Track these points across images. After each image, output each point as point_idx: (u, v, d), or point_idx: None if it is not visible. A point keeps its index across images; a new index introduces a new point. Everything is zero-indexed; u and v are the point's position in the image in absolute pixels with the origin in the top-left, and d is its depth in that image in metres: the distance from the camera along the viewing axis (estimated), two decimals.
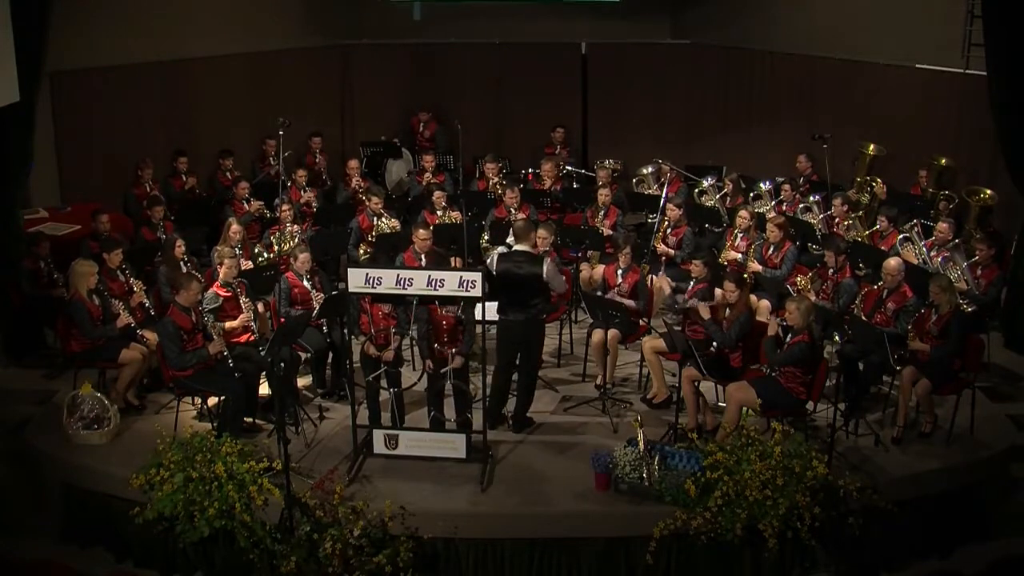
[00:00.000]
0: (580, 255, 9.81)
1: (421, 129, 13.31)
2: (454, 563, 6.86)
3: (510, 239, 7.82)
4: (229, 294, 8.19)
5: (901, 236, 9.44)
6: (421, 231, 8.84)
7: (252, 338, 8.08)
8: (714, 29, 13.65)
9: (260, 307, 8.45)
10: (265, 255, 9.64)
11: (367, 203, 10.30)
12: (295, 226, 9.96)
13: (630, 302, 8.51)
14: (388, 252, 9.61)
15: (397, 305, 7.48)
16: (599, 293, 8.84)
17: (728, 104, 13.50)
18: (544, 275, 7.53)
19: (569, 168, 12.26)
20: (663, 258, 9.83)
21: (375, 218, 10.13)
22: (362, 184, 11.19)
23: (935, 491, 7.29)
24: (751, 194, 11.19)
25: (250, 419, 7.79)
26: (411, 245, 8.93)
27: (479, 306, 7.29)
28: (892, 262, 8.19)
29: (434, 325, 7.48)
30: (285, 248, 9.59)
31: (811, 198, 10.60)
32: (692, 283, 8.63)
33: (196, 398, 7.91)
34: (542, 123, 13.18)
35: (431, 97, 13.57)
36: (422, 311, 7.41)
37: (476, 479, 7.12)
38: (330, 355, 8.41)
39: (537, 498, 7.02)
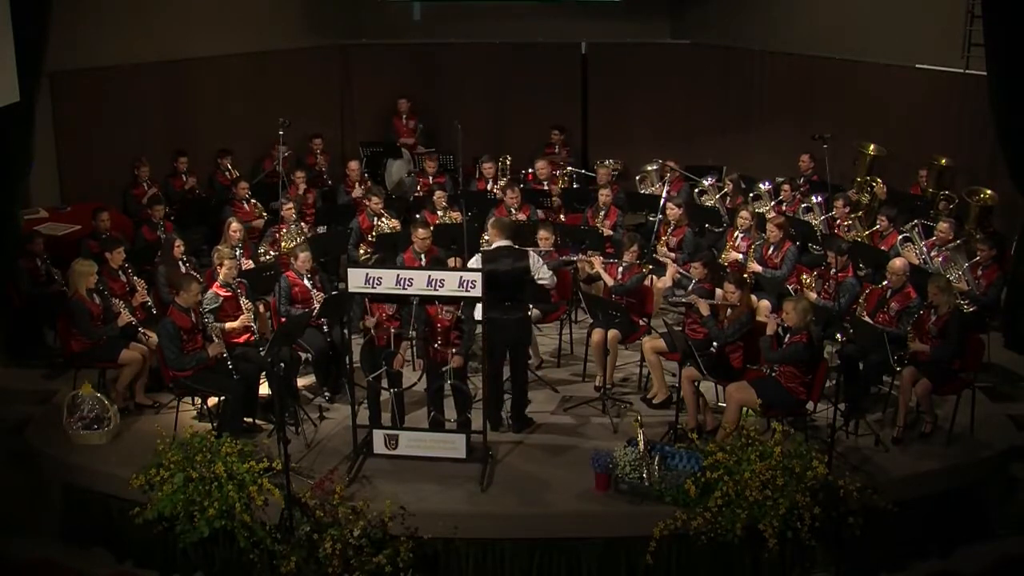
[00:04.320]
0: (580, 255, 9.79)
1: (404, 121, 13.25)
2: (454, 563, 6.85)
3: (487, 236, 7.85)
4: (229, 294, 8.18)
5: (902, 236, 9.43)
6: (421, 231, 8.84)
7: (252, 339, 8.08)
8: (714, 29, 13.65)
9: (260, 307, 8.45)
10: (271, 253, 9.60)
11: (367, 203, 10.30)
12: (301, 223, 9.94)
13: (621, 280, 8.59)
14: (388, 252, 9.60)
15: (401, 307, 7.47)
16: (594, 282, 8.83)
17: (728, 104, 13.49)
18: (531, 268, 7.48)
19: (569, 168, 12.26)
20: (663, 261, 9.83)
21: (375, 218, 10.13)
22: (363, 187, 11.16)
23: (935, 491, 7.29)
24: (751, 194, 11.18)
25: (250, 419, 7.79)
26: (411, 245, 8.93)
27: (478, 306, 7.29)
28: (898, 262, 8.18)
29: (431, 325, 7.47)
30: (290, 246, 9.55)
31: (813, 199, 10.59)
32: (692, 284, 8.61)
33: (196, 398, 7.91)
34: (542, 123, 13.17)
35: (431, 97, 13.56)
36: (422, 311, 7.41)
37: (476, 479, 7.12)
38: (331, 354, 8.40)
39: (537, 498, 7.02)
